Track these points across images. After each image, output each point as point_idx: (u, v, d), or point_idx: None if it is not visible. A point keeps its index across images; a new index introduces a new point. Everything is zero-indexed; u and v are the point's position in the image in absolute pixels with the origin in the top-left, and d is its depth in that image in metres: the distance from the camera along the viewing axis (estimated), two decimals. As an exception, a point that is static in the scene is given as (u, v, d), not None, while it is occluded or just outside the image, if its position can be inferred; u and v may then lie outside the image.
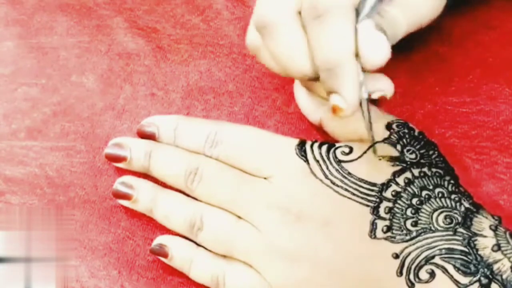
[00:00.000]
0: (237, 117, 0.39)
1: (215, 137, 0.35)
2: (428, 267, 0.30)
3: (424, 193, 0.31)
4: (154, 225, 0.36)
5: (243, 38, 0.41)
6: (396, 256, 0.30)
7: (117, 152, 0.37)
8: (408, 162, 0.32)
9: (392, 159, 0.32)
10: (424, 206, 0.31)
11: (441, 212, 0.31)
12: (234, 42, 0.41)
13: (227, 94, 0.39)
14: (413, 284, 0.30)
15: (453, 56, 0.39)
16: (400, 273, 0.30)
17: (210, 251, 0.34)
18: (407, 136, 0.34)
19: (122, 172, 0.37)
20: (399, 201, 0.31)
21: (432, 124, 0.37)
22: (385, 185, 0.31)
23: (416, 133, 0.34)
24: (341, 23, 0.28)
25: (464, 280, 0.29)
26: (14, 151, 0.39)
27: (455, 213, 0.31)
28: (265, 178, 0.34)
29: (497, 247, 0.29)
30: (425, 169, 0.32)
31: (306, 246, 0.31)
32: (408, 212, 0.31)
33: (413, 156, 0.33)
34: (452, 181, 0.32)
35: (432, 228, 0.30)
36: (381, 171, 0.32)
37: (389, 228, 0.31)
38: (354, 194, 0.32)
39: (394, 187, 0.31)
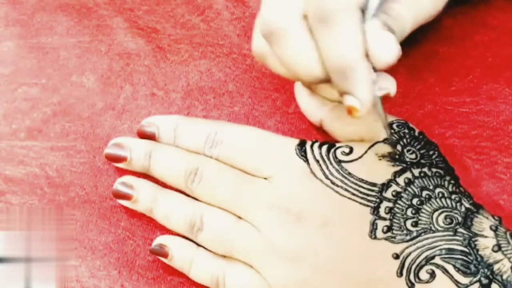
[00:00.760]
0: (237, 117, 0.39)
1: (215, 137, 0.35)
2: (428, 267, 0.30)
3: (424, 193, 0.31)
4: (154, 225, 0.36)
5: (243, 38, 0.41)
6: (396, 256, 0.30)
7: (117, 152, 0.37)
8: (408, 162, 0.32)
9: (392, 159, 0.32)
10: (424, 206, 0.31)
11: (442, 212, 0.31)
12: (234, 42, 0.41)
13: (227, 94, 0.39)
14: (413, 284, 0.30)
15: (453, 56, 0.39)
16: (400, 273, 0.30)
17: (210, 251, 0.34)
18: (407, 136, 0.34)
19: (122, 172, 0.37)
20: (399, 201, 0.31)
21: (432, 124, 0.37)
22: (385, 185, 0.31)
23: (416, 133, 0.34)
24: (348, 26, 0.28)
25: (464, 280, 0.29)
26: (14, 151, 0.39)
27: (456, 213, 0.31)
28: (265, 178, 0.34)
29: (498, 248, 0.29)
30: (425, 169, 0.32)
31: (306, 246, 0.31)
32: (409, 212, 0.31)
33: (413, 156, 0.33)
34: (452, 181, 0.32)
35: (433, 228, 0.30)
36: (381, 171, 0.32)
37: (389, 228, 0.31)
38: (354, 194, 0.32)
39: (394, 187, 0.31)
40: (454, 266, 0.29)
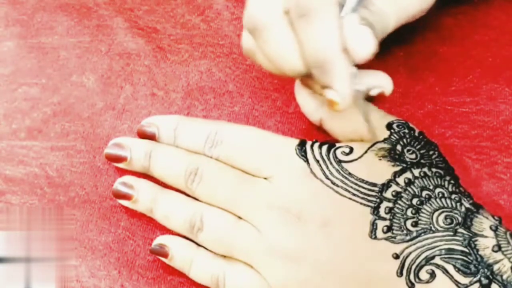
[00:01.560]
0: (237, 117, 0.39)
1: (215, 137, 0.35)
2: (428, 267, 0.30)
3: (424, 193, 0.31)
4: (154, 225, 0.36)
5: (243, 38, 0.41)
6: (396, 257, 0.30)
7: (117, 152, 0.37)
8: (409, 162, 0.32)
9: (392, 159, 0.32)
10: (424, 206, 0.31)
11: (442, 212, 0.31)
12: (234, 42, 0.41)
13: (227, 94, 0.39)
14: (413, 285, 0.30)
15: (453, 56, 0.39)
16: (400, 274, 0.30)
17: (210, 251, 0.34)
18: (407, 136, 0.34)
19: (122, 172, 0.37)
20: (399, 201, 0.31)
21: (432, 124, 0.37)
22: (385, 185, 0.31)
23: (416, 133, 0.34)
24: (326, 20, 0.29)
25: (464, 280, 0.29)
26: (15, 151, 0.39)
27: (456, 213, 0.31)
28: (265, 178, 0.34)
29: (498, 248, 0.29)
30: (425, 169, 0.32)
31: (306, 246, 0.31)
32: (409, 212, 0.31)
33: (413, 156, 0.33)
34: (452, 181, 0.32)
35: (433, 229, 0.30)
36: (381, 172, 0.32)
37: (389, 229, 0.31)
38: (354, 195, 0.32)
39: (394, 187, 0.31)
40: (454, 266, 0.29)
